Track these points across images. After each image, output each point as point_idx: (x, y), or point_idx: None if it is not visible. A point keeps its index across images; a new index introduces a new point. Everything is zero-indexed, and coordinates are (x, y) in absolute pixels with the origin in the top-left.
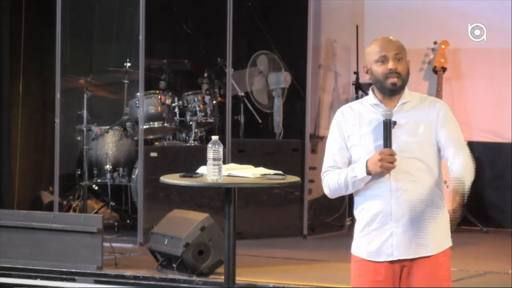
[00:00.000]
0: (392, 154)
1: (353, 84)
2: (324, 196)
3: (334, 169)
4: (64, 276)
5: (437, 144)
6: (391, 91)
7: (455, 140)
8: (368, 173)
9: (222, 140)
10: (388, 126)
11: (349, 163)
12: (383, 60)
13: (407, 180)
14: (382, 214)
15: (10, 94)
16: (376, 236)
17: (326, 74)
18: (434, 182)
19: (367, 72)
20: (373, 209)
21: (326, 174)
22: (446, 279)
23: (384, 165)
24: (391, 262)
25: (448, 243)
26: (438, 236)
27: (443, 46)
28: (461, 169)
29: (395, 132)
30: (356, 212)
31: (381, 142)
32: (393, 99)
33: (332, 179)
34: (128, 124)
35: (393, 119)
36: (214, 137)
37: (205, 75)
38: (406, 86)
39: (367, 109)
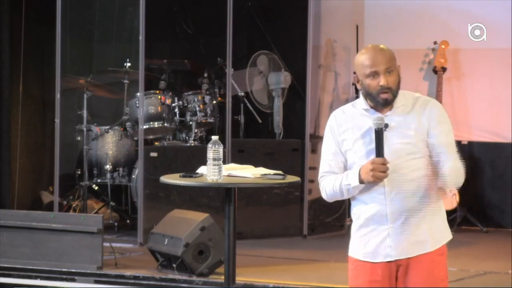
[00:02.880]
0: (384, 163)
1: (353, 84)
2: None
3: (330, 174)
4: (64, 276)
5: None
6: (383, 104)
7: (445, 144)
8: (361, 181)
9: (222, 140)
10: (380, 134)
11: (345, 167)
12: (374, 75)
13: (401, 181)
14: (378, 215)
15: (10, 94)
16: (372, 237)
17: (326, 74)
18: (427, 180)
19: (358, 82)
20: (368, 210)
21: (322, 180)
22: (442, 279)
23: (376, 175)
24: (388, 262)
25: (447, 237)
26: (436, 232)
27: (443, 46)
28: (449, 171)
29: (386, 134)
30: (353, 213)
31: (372, 146)
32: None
33: (328, 185)
34: (128, 124)
35: (385, 122)
36: (214, 137)
37: (205, 75)
38: (398, 95)
39: (359, 113)
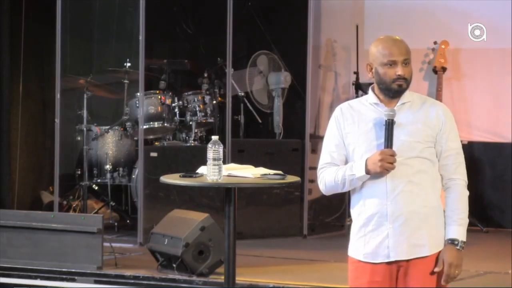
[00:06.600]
0: (393, 155)
1: (353, 84)
2: (324, 196)
3: (331, 165)
4: (64, 276)
5: (435, 147)
6: (396, 92)
7: (453, 150)
8: (367, 172)
9: (222, 140)
10: (390, 126)
11: (346, 160)
12: (392, 64)
13: (403, 181)
14: (378, 215)
15: (10, 94)
16: (372, 237)
17: (326, 74)
18: (430, 182)
19: (370, 70)
20: (369, 210)
21: (322, 171)
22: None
23: (385, 165)
24: (388, 263)
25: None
26: (435, 236)
27: (443, 46)
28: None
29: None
30: (353, 212)
31: (380, 141)
32: (393, 99)
33: (329, 176)
34: (128, 124)
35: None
36: (214, 137)
37: (205, 75)
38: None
39: (366, 108)
